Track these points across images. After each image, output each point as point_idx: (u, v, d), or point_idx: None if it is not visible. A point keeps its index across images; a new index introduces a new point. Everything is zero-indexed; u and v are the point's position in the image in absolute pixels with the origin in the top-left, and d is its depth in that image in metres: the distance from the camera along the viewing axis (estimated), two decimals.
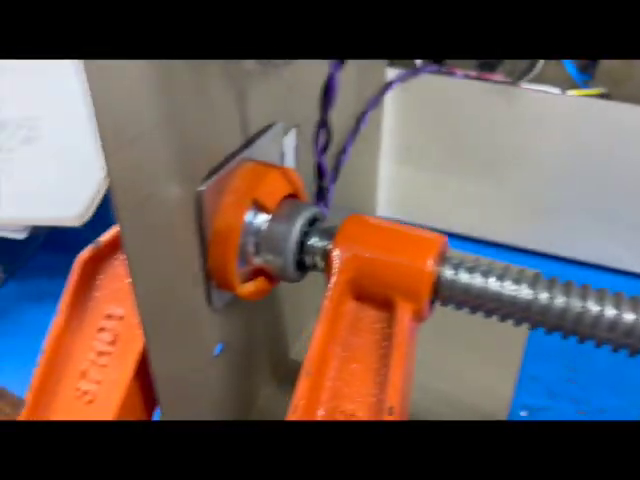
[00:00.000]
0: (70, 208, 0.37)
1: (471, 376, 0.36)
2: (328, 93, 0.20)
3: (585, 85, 0.57)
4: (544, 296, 0.21)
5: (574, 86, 0.54)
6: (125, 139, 0.17)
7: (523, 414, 0.34)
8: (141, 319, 0.21)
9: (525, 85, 0.42)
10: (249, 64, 0.23)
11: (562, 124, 0.41)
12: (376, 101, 0.37)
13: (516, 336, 0.38)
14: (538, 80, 0.45)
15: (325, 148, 0.22)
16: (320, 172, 0.23)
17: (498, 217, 0.45)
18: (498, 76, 0.46)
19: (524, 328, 0.38)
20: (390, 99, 0.42)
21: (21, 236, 0.37)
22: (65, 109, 0.49)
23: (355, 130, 0.35)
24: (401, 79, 0.39)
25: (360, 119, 0.36)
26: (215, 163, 0.23)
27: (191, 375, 0.26)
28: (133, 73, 0.17)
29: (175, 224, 0.21)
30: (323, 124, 0.21)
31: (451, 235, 0.47)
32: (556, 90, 0.43)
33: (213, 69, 0.21)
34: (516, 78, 0.41)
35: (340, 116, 0.28)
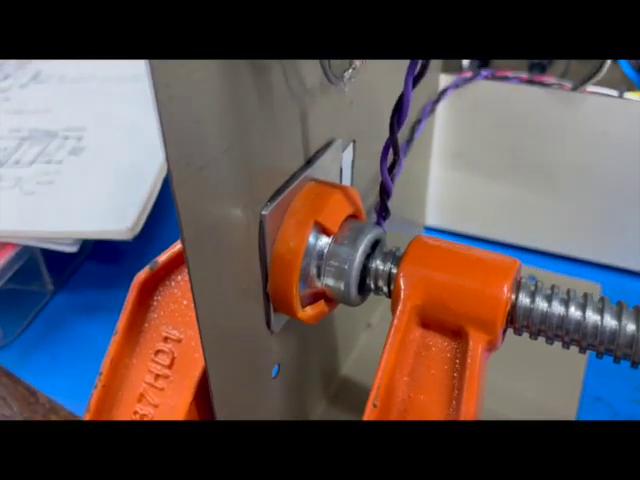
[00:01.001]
0: (121, 221, 0.37)
1: (530, 397, 0.34)
2: (400, 111, 0.19)
3: None
4: (631, 328, 0.20)
5: (632, 88, 0.52)
6: (195, 168, 0.17)
7: None
8: (202, 343, 0.20)
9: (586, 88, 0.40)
10: (312, 80, 0.22)
11: (622, 129, 0.39)
12: (430, 109, 0.36)
13: (577, 355, 0.37)
14: (595, 83, 0.43)
15: (392, 167, 0.21)
16: (386, 192, 0.22)
17: (553, 227, 0.43)
18: (550, 78, 0.44)
19: None
20: (441, 105, 0.41)
21: (73, 249, 0.37)
22: (110, 119, 0.49)
23: (409, 140, 0.34)
24: (455, 86, 0.37)
25: (415, 128, 0.34)
26: (278, 184, 0.22)
27: (250, 398, 0.25)
28: (201, 100, 0.17)
29: (238, 249, 0.21)
30: (392, 143, 0.20)
31: (503, 245, 0.46)
32: (614, 92, 0.41)
33: (277, 88, 0.20)
34: (580, 82, 0.39)
35: None
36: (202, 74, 0.16)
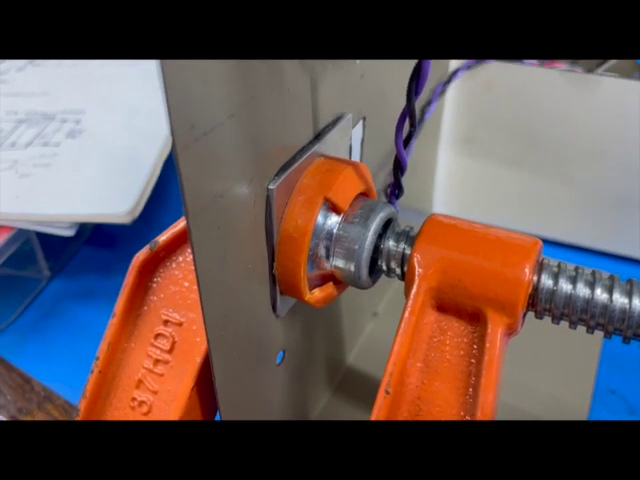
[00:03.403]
0: (119, 205, 0.36)
1: (543, 390, 0.33)
2: (419, 78, 0.18)
3: None
4: None
5: None
6: (199, 132, 0.15)
7: None
8: (205, 323, 0.19)
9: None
10: None
11: (638, 112, 0.38)
12: (441, 90, 0.34)
13: (590, 346, 0.36)
14: (608, 70, 0.42)
15: (408, 140, 0.20)
16: (400, 167, 0.21)
17: (567, 216, 0.42)
18: (561, 64, 0.43)
19: (598, 337, 0.36)
20: (452, 87, 0.40)
21: (69, 233, 0.36)
22: (109, 102, 0.48)
23: (419, 121, 0.33)
24: (467, 67, 0.36)
25: (425, 110, 0.33)
26: (286, 158, 0.21)
27: (253, 385, 0.24)
28: (209, 62, 0.15)
29: (243, 225, 0.19)
30: (409, 112, 0.19)
31: None
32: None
33: None
34: (592, 68, 0.38)
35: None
36: None
